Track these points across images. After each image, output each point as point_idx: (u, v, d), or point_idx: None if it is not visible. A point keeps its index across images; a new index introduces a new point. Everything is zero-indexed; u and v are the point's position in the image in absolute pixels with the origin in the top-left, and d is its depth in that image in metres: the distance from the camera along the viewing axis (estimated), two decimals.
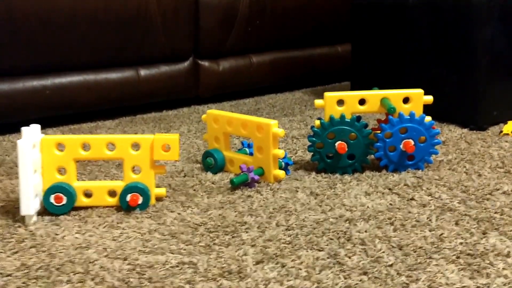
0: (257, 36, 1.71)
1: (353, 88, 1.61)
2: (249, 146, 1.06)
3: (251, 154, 1.03)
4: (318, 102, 0.97)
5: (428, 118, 0.97)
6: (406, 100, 0.98)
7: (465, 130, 1.25)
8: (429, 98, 0.97)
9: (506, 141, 1.15)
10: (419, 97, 0.96)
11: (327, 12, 1.85)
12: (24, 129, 0.79)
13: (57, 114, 1.42)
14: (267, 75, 1.79)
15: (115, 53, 1.44)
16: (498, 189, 0.88)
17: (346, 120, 0.96)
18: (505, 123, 1.27)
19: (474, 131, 1.24)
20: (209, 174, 0.99)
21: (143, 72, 1.51)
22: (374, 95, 0.97)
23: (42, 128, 1.38)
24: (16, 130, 1.37)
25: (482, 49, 1.23)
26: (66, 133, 1.34)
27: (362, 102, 0.98)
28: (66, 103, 1.40)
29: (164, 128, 1.37)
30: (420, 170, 0.97)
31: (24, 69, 1.33)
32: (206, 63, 1.64)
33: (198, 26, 1.58)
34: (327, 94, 0.96)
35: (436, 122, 1.32)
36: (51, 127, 1.40)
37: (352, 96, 0.97)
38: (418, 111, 0.97)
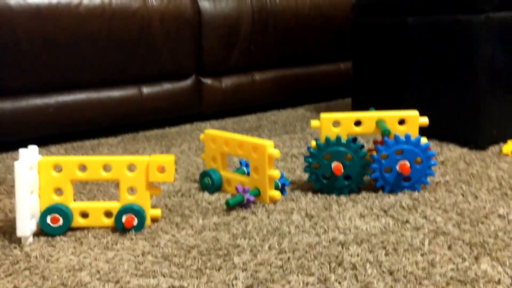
0: (260, 54, 1.73)
1: (355, 105, 1.61)
2: (247, 165, 1.06)
3: (248, 173, 1.04)
4: (314, 123, 0.97)
5: (424, 140, 0.97)
6: (402, 122, 0.98)
7: (464, 150, 1.25)
8: (425, 120, 0.97)
9: (505, 162, 1.15)
10: (415, 119, 0.97)
11: (329, 30, 1.87)
12: (21, 150, 0.80)
13: (61, 132, 1.44)
14: (270, 92, 1.80)
15: (118, 72, 1.46)
16: (493, 212, 0.87)
17: (342, 141, 0.96)
18: (505, 142, 1.27)
19: (474, 151, 1.24)
20: (206, 194, 1.00)
21: (146, 90, 1.53)
22: (369, 117, 0.97)
23: (45, 145, 1.41)
24: (19, 147, 1.39)
25: (482, 68, 1.23)
26: (69, 151, 1.35)
27: (358, 123, 0.98)
28: (69, 121, 1.42)
29: (165, 145, 1.38)
30: (417, 192, 0.97)
31: (28, 88, 1.35)
32: (208, 81, 1.66)
33: (201, 45, 1.60)
34: (322, 116, 0.97)
35: (436, 140, 1.32)
36: (54, 143, 1.42)
37: (347, 117, 0.97)
38: (414, 133, 0.97)
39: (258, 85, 1.76)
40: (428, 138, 1.34)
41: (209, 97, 1.66)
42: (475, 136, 1.26)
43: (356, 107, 1.59)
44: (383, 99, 1.48)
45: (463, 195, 0.95)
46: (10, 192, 1.04)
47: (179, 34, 1.52)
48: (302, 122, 1.64)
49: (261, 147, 0.92)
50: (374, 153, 0.99)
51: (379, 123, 0.96)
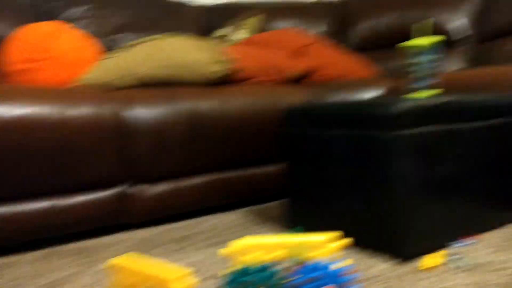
0: (191, 159, 1.71)
1: (290, 208, 1.58)
2: None
3: None
4: (224, 251, 0.94)
5: (338, 265, 0.95)
6: (316, 246, 0.96)
7: (389, 264, 1.23)
8: (337, 245, 0.96)
9: (424, 279, 1.13)
10: (330, 243, 0.95)
11: (261, 134, 1.89)
12: None
13: None
14: (202, 197, 1.77)
15: (31, 185, 1.40)
16: None
17: (255, 269, 0.92)
18: (431, 253, 1.27)
19: (399, 264, 1.23)
20: None
21: (67, 201, 1.46)
22: (282, 243, 0.95)
23: None
24: None
25: (397, 181, 1.24)
26: None
27: (272, 249, 0.95)
28: None
29: (84, 264, 1.30)
30: None
31: None
32: (136, 190, 1.61)
33: (128, 153, 1.57)
34: (233, 244, 0.94)
35: (368, 252, 1.30)
36: None
37: (259, 244, 0.95)
38: (329, 257, 0.95)
39: (188, 191, 1.73)
40: (362, 249, 1.32)
41: (136, 206, 1.61)
42: (399, 248, 1.25)
43: (291, 210, 1.56)
44: (315, 205, 1.47)
45: None
46: None
47: (103, 144, 1.49)
48: (233, 231, 1.60)
49: (165, 283, 0.87)
50: (289, 281, 0.95)
51: (291, 250, 0.94)
